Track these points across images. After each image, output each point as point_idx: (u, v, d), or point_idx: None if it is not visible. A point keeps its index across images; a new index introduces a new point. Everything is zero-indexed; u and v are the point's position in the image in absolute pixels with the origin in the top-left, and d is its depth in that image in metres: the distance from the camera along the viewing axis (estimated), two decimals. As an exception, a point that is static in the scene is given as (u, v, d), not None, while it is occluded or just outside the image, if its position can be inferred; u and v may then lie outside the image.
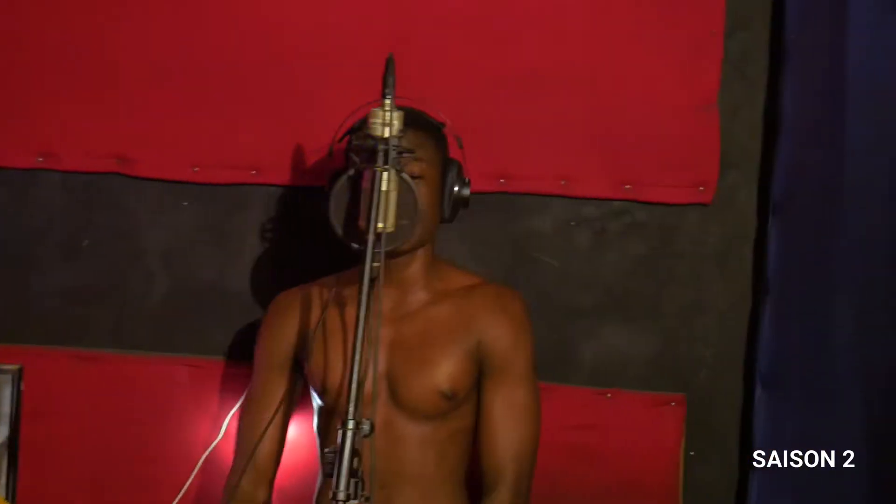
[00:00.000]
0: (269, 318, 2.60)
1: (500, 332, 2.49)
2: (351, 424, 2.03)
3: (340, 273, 2.55)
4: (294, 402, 2.60)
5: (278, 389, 2.54)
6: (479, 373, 2.49)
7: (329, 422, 2.51)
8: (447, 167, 2.46)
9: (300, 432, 2.70)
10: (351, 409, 2.04)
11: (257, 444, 2.49)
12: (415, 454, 2.44)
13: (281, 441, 2.57)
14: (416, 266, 2.48)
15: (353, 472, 2.01)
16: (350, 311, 2.47)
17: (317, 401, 2.54)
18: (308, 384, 2.56)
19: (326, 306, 2.49)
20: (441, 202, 2.45)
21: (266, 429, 2.48)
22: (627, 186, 2.85)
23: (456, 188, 2.46)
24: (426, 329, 2.47)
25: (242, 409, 2.60)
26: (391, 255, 2.31)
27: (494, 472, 2.46)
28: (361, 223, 2.25)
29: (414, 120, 2.38)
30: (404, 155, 2.28)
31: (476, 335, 2.48)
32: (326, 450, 2.05)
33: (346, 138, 2.46)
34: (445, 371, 2.45)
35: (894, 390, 2.29)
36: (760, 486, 2.81)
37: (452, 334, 2.47)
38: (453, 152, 2.52)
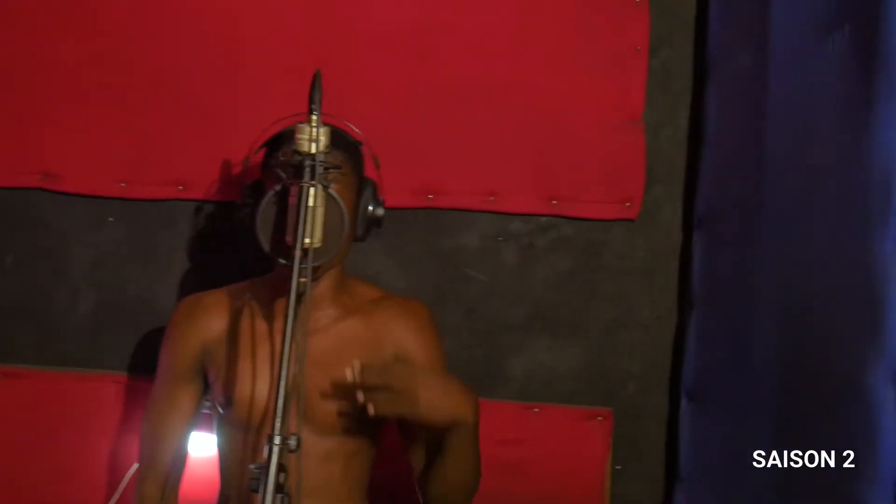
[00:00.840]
0: (174, 322, 2.55)
1: (412, 343, 2.50)
2: (278, 440, 2.01)
3: (251, 280, 2.55)
4: (198, 409, 2.56)
5: (182, 396, 2.51)
6: None
7: (233, 434, 2.47)
8: (362, 186, 2.46)
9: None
10: (277, 423, 2.01)
11: (152, 449, 2.50)
12: (319, 467, 2.40)
13: (184, 449, 2.55)
14: (326, 283, 2.46)
15: (279, 487, 2.00)
16: (260, 323, 2.47)
17: (218, 410, 2.50)
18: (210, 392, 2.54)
19: (234, 314, 2.48)
20: (354, 221, 2.44)
21: (164, 434, 2.49)
22: (554, 202, 2.87)
23: (370, 208, 2.46)
24: (337, 345, 2.47)
25: (145, 416, 2.55)
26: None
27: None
28: (288, 239, 2.24)
29: (332, 138, 2.37)
30: (331, 171, 2.28)
31: (389, 348, 2.48)
32: (253, 466, 2.03)
33: (263, 152, 2.45)
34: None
35: (820, 410, 2.31)
36: (687, 499, 2.83)
37: (363, 350, 2.46)
38: (370, 172, 2.51)
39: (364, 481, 2.53)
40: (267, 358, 2.45)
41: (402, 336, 2.50)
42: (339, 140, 2.41)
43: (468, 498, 2.45)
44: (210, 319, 2.51)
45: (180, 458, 2.55)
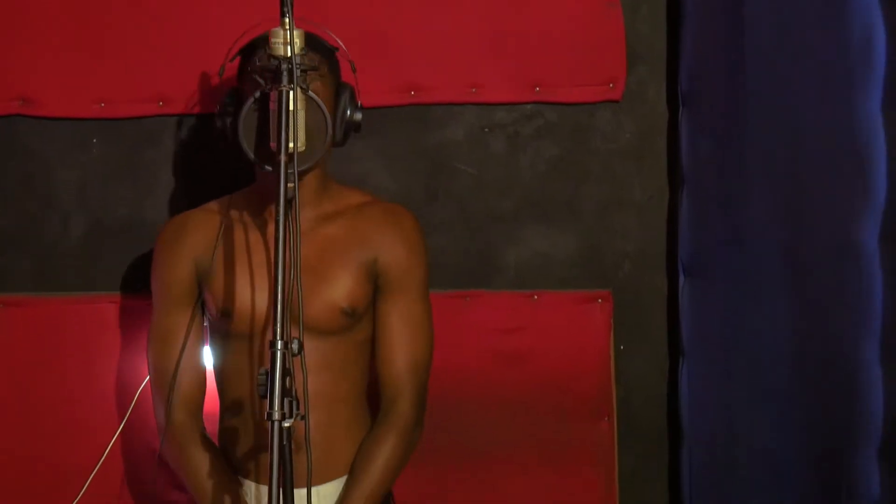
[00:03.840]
0: (160, 245, 2.55)
1: (396, 249, 2.50)
2: (280, 345, 2.02)
3: (234, 193, 2.54)
4: (201, 326, 2.56)
5: (184, 319, 2.51)
6: (375, 288, 2.50)
7: (234, 345, 2.48)
8: (340, 90, 2.44)
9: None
10: (278, 328, 2.02)
11: (165, 375, 2.49)
12: (315, 374, 2.39)
13: (203, 370, 2.55)
14: (307, 187, 2.46)
15: (286, 392, 2.01)
16: (252, 232, 2.47)
17: (213, 322, 2.51)
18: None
19: (222, 228, 2.48)
20: (334, 125, 2.43)
21: (177, 360, 2.48)
22: (538, 89, 2.86)
23: (349, 112, 2.45)
24: (321, 247, 2.47)
25: (151, 345, 2.54)
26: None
27: (393, 386, 2.50)
28: (272, 144, 2.23)
29: (307, 42, 2.35)
30: (308, 73, 2.26)
31: (372, 252, 2.49)
32: (259, 371, 2.04)
33: (238, 60, 2.43)
34: (343, 287, 2.45)
35: (816, 272, 2.33)
36: (691, 374, 2.86)
37: (348, 251, 2.47)
38: (347, 77, 2.49)
39: (360, 387, 2.55)
40: (263, 265, 2.45)
41: (385, 242, 2.51)
42: (315, 45, 2.40)
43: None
44: (198, 236, 2.51)
45: (201, 379, 2.55)
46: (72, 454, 2.85)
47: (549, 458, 2.89)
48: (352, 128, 2.46)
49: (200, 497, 2.47)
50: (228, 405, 2.53)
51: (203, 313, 2.55)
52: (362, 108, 2.47)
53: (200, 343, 2.55)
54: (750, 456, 2.63)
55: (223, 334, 2.50)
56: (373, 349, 2.54)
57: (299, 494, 2.08)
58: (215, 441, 2.56)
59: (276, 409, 1.98)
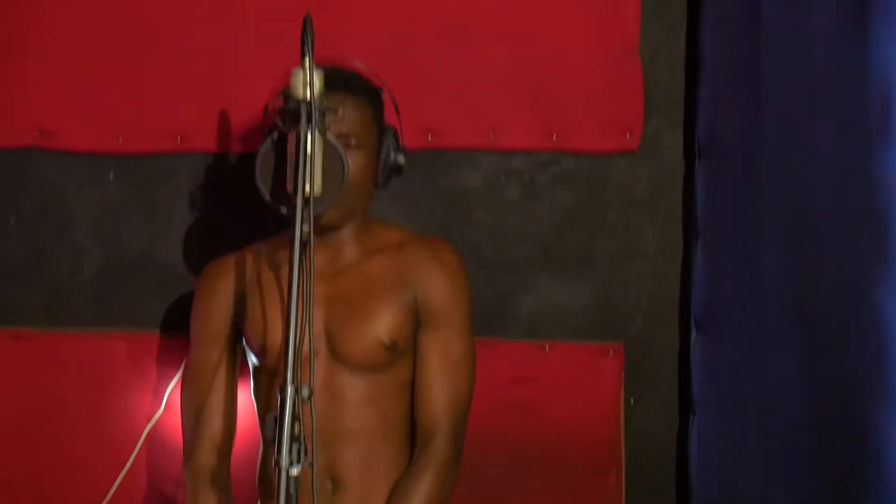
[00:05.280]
0: (202, 287, 2.57)
1: (437, 284, 2.50)
2: (290, 390, 2.01)
3: (271, 237, 2.54)
4: (237, 370, 2.57)
5: (220, 359, 2.52)
6: (417, 324, 2.49)
7: (269, 383, 2.49)
8: (384, 134, 2.45)
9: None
10: (289, 373, 2.02)
11: (198, 416, 2.48)
12: (356, 411, 2.43)
13: (233, 412, 2.54)
14: (348, 229, 2.47)
15: (294, 437, 2.00)
16: (285, 272, 2.47)
17: (253, 362, 2.52)
18: (245, 349, 2.55)
19: (259, 270, 2.48)
20: (376, 169, 2.44)
21: (208, 399, 2.49)
22: (554, 137, 2.86)
23: (392, 156, 2.45)
24: (362, 283, 2.47)
25: (185, 384, 2.56)
26: (322, 226, 2.30)
27: (431, 422, 2.48)
28: (289, 187, 2.23)
29: (350, 85, 2.37)
30: (328, 115, 2.26)
31: (412, 288, 2.48)
32: (267, 415, 2.04)
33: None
34: (385, 322, 2.45)
35: (830, 331, 2.31)
36: (701, 430, 2.84)
37: (389, 287, 2.47)
38: (389, 118, 2.50)
39: (402, 426, 2.52)
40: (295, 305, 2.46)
41: (426, 277, 2.50)
42: (359, 88, 2.41)
43: None
44: (236, 279, 2.52)
45: (230, 421, 2.54)
46: (79, 491, 2.84)
47: (557, 510, 2.88)
48: (394, 171, 2.47)
49: None
50: (266, 445, 2.53)
51: (245, 354, 2.55)
52: (405, 151, 2.48)
53: (234, 385, 2.55)
54: (759, 515, 2.61)
55: (260, 373, 2.52)
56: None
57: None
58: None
59: (284, 455, 1.97)
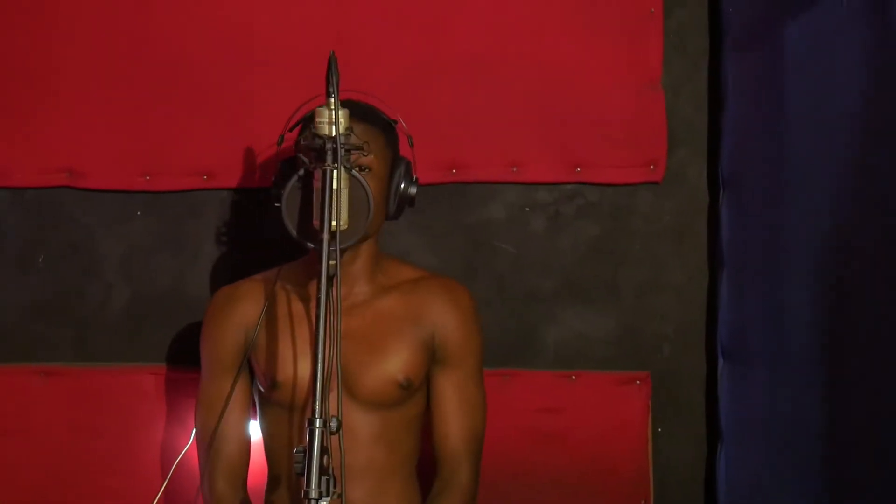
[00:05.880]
0: (211, 314, 2.58)
1: (455, 324, 2.52)
2: (319, 423, 2.03)
3: (283, 266, 2.55)
4: (250, 396, 2.57)
5: (233, 386, 2.51)
6: (431, 362, 2.51)
7: (278, 416, 2.50)
8: (396, 164, 2.47)
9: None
10: (317, 406, 2.04)
11: (210, 442, 2.50)
12: (367, 447, 2.44)
13: (247, 439, 2.55)
14: (360, 261, 2.48)
15: (323, 470, 2.02)
16: (297, 305, 2.48)
17: (260, 391, 2.53)
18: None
19: (269, 299, 2.49)
20: (387, 198, 2.45)
21: (222, 426, 2.49)
22: (578, 169, 2.87)
23: (402, 185, 2.47)
24: (375, 320, 2.49)
25: (198, 411, 2.56)
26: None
27: (454, 456, 2.50)
28: (315, 222, 2.25)
29: (364, 115, 2.39)
30: (353, 151, 2.28)
31: (429, 327, 2.50)
32: (296, 449, 2.05)
33: (293, 135, 2.46)
34: (400, 360, 2.46)
35: (857, 359, 2.31)
36: (728, 459, 2.83)
37: (404, 325, 2.49)
38: (404, 151, 2.52)
39: (411, 460, 2.55)
40: (307, 339, 2.47)
41: (443, 317, 2.52)
42: (372, 116, 2.43)
43: None
44: (247, 306, 2.53)
45: (244, 448, 2.55)
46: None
47: (585, 540, 2.88)
48: (406, 202, 2.48)
49: None
50: (273, 476, 2.55)
51: (253, 383, 2.56)
52: (417, 183, 2.50)
53: (247, 412, 2.56)
54: (788, 544, 2.60)
55: (269, 404, 2.52)
56: (425, 422, 2.55)
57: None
58: None
59: (314, 487, 1.99)
